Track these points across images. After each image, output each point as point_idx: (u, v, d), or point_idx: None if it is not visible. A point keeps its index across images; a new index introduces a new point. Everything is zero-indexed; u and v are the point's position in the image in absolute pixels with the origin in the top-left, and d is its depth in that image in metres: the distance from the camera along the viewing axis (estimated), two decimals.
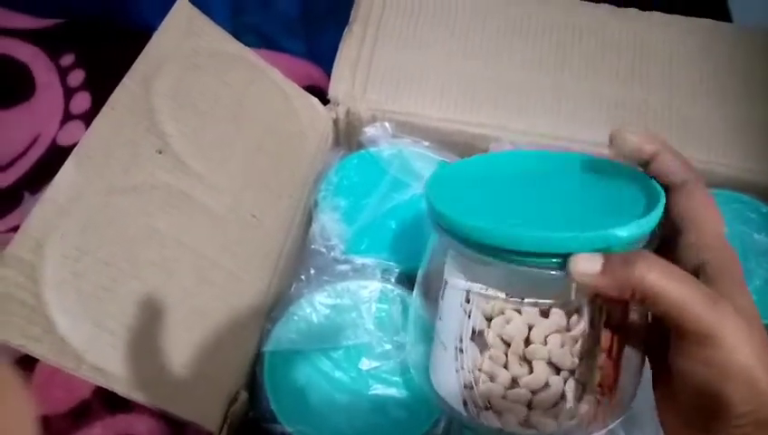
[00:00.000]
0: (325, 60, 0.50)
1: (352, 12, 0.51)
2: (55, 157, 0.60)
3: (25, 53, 0.66)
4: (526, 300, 0.27)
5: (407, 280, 0.41)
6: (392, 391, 0.37)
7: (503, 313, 0.28)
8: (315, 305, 0.39)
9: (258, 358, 0.38)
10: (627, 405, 0.30)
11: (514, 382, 0.28)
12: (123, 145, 0.35)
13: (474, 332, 0.29)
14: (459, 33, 0.50)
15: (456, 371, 0.30)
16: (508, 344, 0.28)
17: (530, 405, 0.29)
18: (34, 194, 0.58)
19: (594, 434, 0.29)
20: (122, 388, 0.31)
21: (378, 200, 0.44)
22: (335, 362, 0.38)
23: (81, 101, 0.64)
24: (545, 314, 0.27)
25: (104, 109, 0.35)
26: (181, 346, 0.34)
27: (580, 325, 0.28)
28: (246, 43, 0.45)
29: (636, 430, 0.37)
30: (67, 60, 0.66)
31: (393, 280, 0.41)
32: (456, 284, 0.29)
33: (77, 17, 0.68)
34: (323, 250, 0.42)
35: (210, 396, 0.34)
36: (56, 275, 0.30)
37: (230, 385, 0.35)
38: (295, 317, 0.39)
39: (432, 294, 0.33)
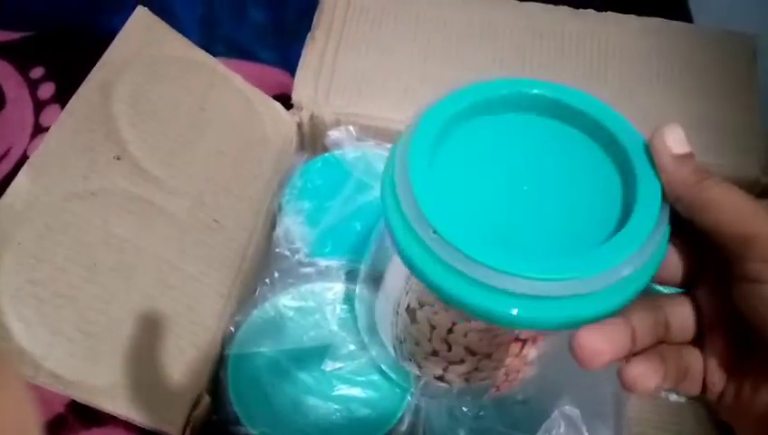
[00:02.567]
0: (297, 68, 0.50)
1: (315, 18, 0.51)
2: None
3: None
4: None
5: (372, 281, 0.41)
6: (356, 391, 0.37)
7: (432, 304, 0.30)
8: (279, 308, 0.40)
9: (221, 361, 0.38)
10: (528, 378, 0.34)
11: (435, 353, 0.32)
12: (80, 152, 0.35)
13: (408, 306, 0.32)
14: (421, 37, 0.51)
15: (391, 323, 0.34)
16: (434, 327, 0.31)
17: (445, 369, 0.33)
18: None
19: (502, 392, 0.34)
20: (81, 395, 0.31)
21: (341, 203, 0.44)
22: (299, 364, 0.38)
23: (52, 114, 0.63)
24: (468, 319, 0.29)
25: (61, 116, 0.35)
26: (142, 351, 0.34)
27: (498, 330, 0.30)
28: (218, 54, 0.45)
29: (598, 422, 0.37)
30: (37, 72, 0.66)
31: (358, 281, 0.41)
32: (401, 266, 0.30)
33: (46, 30, 0.68)
34: (287, 253, 0.42)
35: (172, 401, 0.34)
36: (12, 283, 0.30)
37: (192, 389, 0.35)
38: (259, 320, 0.39)
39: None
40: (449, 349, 0.32)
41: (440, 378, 0.34)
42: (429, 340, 0.32)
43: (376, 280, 0.39)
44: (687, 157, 0.23)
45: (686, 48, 0.51)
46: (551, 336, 0.38)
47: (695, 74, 0.50)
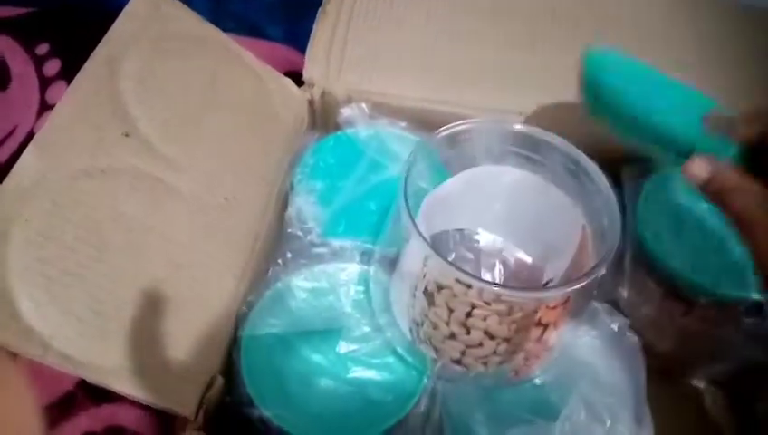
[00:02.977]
0: (306, 45, 0.49)
1: None
2: None
3: None
4: (472, 289, 0.28)
5: (386, 262, 0.40)
6: (371, 374, 0.36)
7: (451, 288, 0.29)
8: (292, 289, 0.39)
9: (235, 343, 0.37)
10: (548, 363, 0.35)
11: (453, 336, 0.32)
12: (88, 129, 0.34)
13: (426, 289, 0.31)
14: (435, 12, 0.50)
15: (408, 306, 0.34)
16: (452, 311, 0.30)
17: (463, 353, 0.33)
18: None
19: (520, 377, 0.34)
20: (91, 375, 0.30)
21: (354, 182, 0.43)
22: (313, 346, 0.37)
23: (58, 91, 0.63)
24: (488, 302, 0.29)
25: (67, 93, 0.34)
26: (153, 332, 0.33)
27: (519, 314, 0.30)
28: (227, 30, 0.44)
29: (619, 407, 0.36)
30: (42, 49, 0.65)
31: (372, 262, 0.40)
32: (419, 245, 0.30)
33: (51, 5, 0.66)
34: (300, 233, 0.41)
35: (185, 382, 0.33)
36: (20, 262, 0.30)
37: (205, 370, 0.34)
38: (272, 301, 0.38)
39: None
40: (468, 332, 0.31)
41: (457, 362, 0.33)
42: (447, 323, 0.31)
43: (391, 261, 0.38)
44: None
45: (714, 27, 0.50)
46: (571, 320, 0.38)
47: (723, 55, 0.48)
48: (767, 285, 0.27)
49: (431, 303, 0.31)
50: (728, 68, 0.48)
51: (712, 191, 0.29)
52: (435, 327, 0.32)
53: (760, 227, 0.27)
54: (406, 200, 0.31)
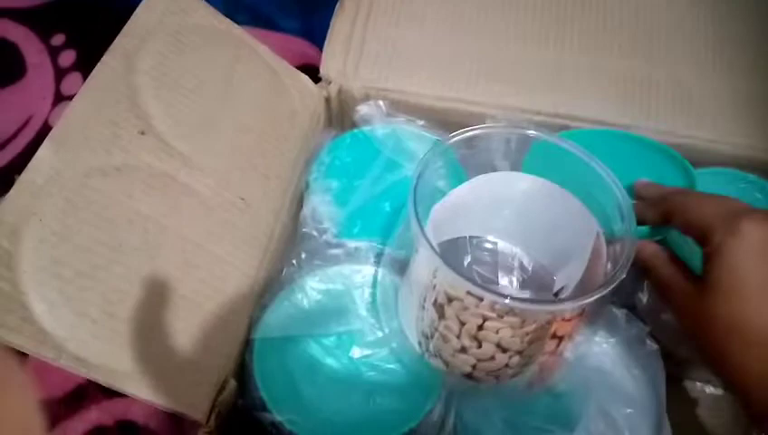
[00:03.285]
0: (321, 38, 0.48)
1: None
2: None
3: (15, 32, 0.64)
4: (484, 302, 0.28)
5: (395, 265, 0.40)
6: (385, 380, 0.36)
7: (462, 300, 0.28)
8: (306, 291, 0.38)
9: (247, 345, 0.37)
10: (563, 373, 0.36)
11: (463, 350, 0.31)
12: (103, 125, 0.33)
13: (436, 301, 0.31)
14: (454, 7, 0.49)
15: (417, 318, 0.33)
16: (463, 323, 0.30)
17: (474, 367, 0.32)
18: None
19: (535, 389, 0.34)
20: (105, 378, 0.30)
21: (371, 182, 0.43)
22: (327, 349, 0.37)
23: (73, 82, 0.63)
24: (500, 314, 0.28)
25: (83, 88, 0.34)
26: (167, 334, 0.33)
27: (532, 326, 0.29)
28: (241, 22, 0.44)
29: (637, 417, 0.36)
30: (58, 40, 0.65)
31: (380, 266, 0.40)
32: (429, 256, 0.29)
33: None
34: (315, 233, 0.41)
35: (197, 385, 0.33)
36: (34, 262, 0.29)
37: (218, 373, 0.34)
38: (286, 303, 0.38)
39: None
40: (479, 346, 0.30)
41: (469, 375, 0.32)
42: (458, 336, 0.31)
43: (401, 264, 0.38)
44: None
45: (741, 20, 0.48)
46: (586, 328, 0.37)
47: (745, 48, 0.47)
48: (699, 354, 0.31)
49: (441, 315, 0.30)
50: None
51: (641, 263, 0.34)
52: (445, 340, 0.31)
53: (671, 288, 0.32)
54: (415, 209, 0.30)
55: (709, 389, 0.45)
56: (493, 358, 0.31)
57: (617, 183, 0.32)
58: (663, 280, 0.33)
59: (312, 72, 0.47)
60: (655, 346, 0.38)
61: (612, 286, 0.28)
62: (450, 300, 0.30)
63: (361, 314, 0.38)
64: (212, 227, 0.36)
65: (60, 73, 0.63)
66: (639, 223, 0.33)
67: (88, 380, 0.46)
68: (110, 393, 0.46)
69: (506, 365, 0.31)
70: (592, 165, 0.33)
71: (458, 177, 0.38)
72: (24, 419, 0.19)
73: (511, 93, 0.45)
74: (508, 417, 0.34)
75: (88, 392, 0.48)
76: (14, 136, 0.60)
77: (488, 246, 0.40)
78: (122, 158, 0.34)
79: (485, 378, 0.32)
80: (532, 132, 0.35)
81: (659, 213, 0.34)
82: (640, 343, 0.38)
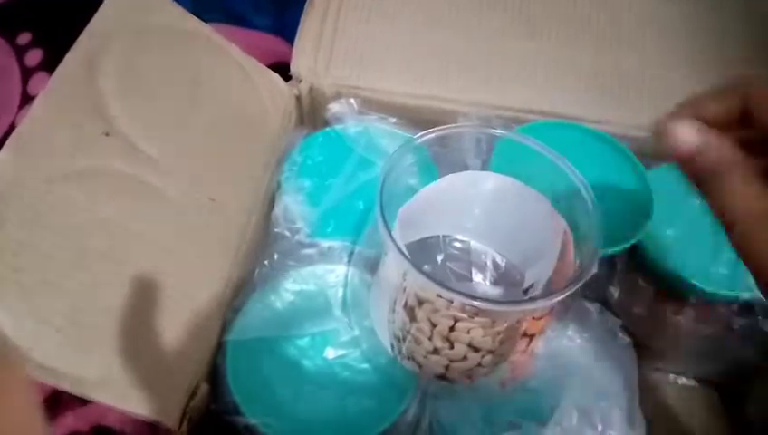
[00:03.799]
0: (293, 35, 0.48)
1: None
2: None
3: None
4: (455, 303, 0.28)
5: (367, 263, 0.39)
6: (360, 379, 0.36)
7: (432, 302, 0.29)
8: (280, 292, 0.38)
9: (220, 348, 0.36)
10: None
11: (436, 351, 0.31)
12: (66, 128, 0.33)
13: (406, 304, 0.31)
14: (426, 4, 0.49)
15: (389, 320, 0.33)
16: (435, 325, 0.30)
17: (447, 368, 0.32)
18: None
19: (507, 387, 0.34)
20: (73, 387, 0.29)
21: (344, 180, 0.42)
22: (301, 350, 0.36)
23: (40, 82, 0.61)
24: (471, 315, 0.28)
25: (44, 90, 0.33)
26: (136, 340, 0.32)
27: (503, 325, 0.29)
28: (212, 20, 0.43)
29: (610, 409, 0.36)
30: (24, 38, 0.63)
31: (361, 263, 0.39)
32: (398, 259, 0.29)
33: None
34: (287, 234, 0.40)
35: (168, 390, 0.32)
36: None
37: (190, 378, 0.34)
38: (259, 305, 0.38)
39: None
40: (451, 347, 0.31)
41: (442, 376, 0.32)
42: (430, 338, 0.31)
43: (372, 263, 0.38)
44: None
45: (711, 15, 0.49)
46: (559, 324, 0.37)
47: (717, 45, 0.48)
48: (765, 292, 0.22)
49: (412, 318, 0.30)
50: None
51: (698, 170, 0.23)
52: (417, 343, 0.31)
53: (759, 234, 0.21)
54: (382, 212, 0.30)
55: (681, 380, 0.46)
56: (465, 358, 0.31)
57: (584, 182, 0.32)
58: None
59: (285, 69, 0.47)
60: (627, 339, 0.39)
61: (577, 286, 0.28)
62: (421, 302, 0.30)
63: (335, 314, 0.37)
64: (182, 230, 0.36)
65: (26, 73, 0.62)
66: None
67: None
68: (85, 399, 0.46)
69: (479, 365, 0.31)
70: (559, 164, 0.33)
71: (431, 174, 0.38)
72: (25, 419, 0.19)
73: (483, 90, 0.45)
74: (484, 414, 0.35)
75: (63, 398, 0.47)
76: None
77: (460, 245, 0.40)
78: (86, 162, 0.33)
79: (459, 378, 0.32)
80: (499, 131, 0.35)
81: (730, 105, 0.24)
82: (613, 336, 0.39)
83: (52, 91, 0.33)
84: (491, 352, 0.30)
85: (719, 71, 0.46)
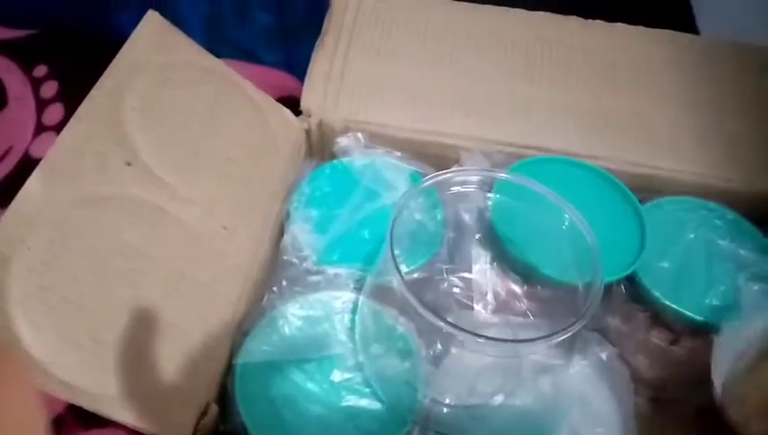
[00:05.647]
0: (301, 70, 0.50)
1: (324, 23, 0.51)
2: (28, 169, 0.59)
3: None
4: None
5: (376, 292, 0.41)
6: (364, 403, 0.37)
7: None
8: (287, 317, 0.39)
9: (229, 370, 0.37)
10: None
11: None
12: (91, 157, 0.34)
13: None
14: (430, 44, 0.51)
15: None
16: None
17: None
18: (5, 208, 0.57)
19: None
20: (89, 403, 0.30)
21: (350, 210, 0.44)
22: (308, 374, 0.37)
23: (55, 113, 0.63)
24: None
25: (72, 120, 0.35)
26: (150, 360, 0.33)
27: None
28: (223, 55, 0.45)
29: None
30: (40, 71, 0.65)
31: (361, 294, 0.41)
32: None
33: (50, 28, 0.67)
34: (295, 261, 0.42)
35: (180, 409, 0.34)
36: (21, 289, 0.30)
37: (200, 398, 0.35)
38: (267, 329, 0.39)
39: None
40: None
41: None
42: None
43: (382, 292, 0.39)
44: None
45: (695, 60, 0.51)
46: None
47: (704, 87, 0.50)
48: None
49: None
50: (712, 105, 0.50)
51: None
52: None
53: None
54: (393, 254, 0.31)
55: (678, 409, 0.46)
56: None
57: (586, 227, 0.34)
58: None
59: (293, 103, 0.49)
60: (624, 368, 0.40)
61: (582, 323, 0.30)
62: None
63: (341, 340, 0.39)
64: (196, 256, 0.37)
65: (41, 104, 0.64)
66: None
67: (66, 410, 0.46)
68: (88, 425, 0.46)
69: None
70: (563, 208, 0.35)
71: (438, 211, 0.40)
72: (26, 420, 0.19)
73: (484, 126, 0.47)
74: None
75: (66, 424, 0.47)
76: None
77: (461, 274, 0.41)
78: (109, 188, 0.35)
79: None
80: (500, 175, 0.37)
81: None
82: (611, 364, 0.40)
83: (79, 121, 0.35)
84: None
85: (708, 112, 0.49)
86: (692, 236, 0.44)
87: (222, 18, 0.71)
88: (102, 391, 0.31)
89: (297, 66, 0.65)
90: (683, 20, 0.70)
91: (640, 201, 0.44)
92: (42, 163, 0.33)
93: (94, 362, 0.31)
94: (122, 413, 0.31)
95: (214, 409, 0.35)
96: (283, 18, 0.71)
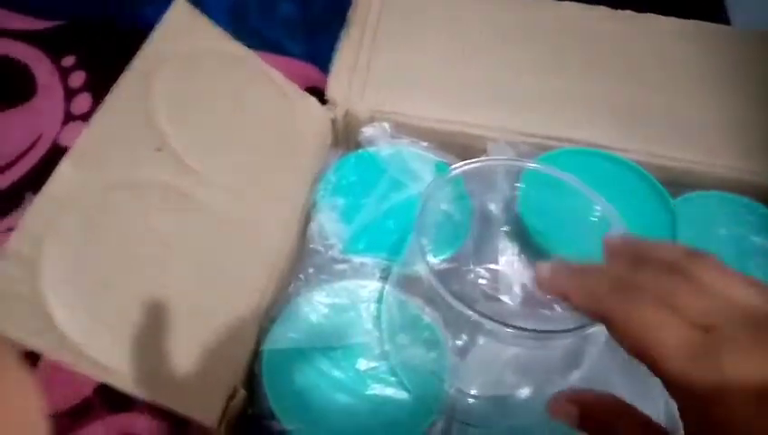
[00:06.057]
0: (324, 61, 0.50)
1: (349, 14, 0.51)
2: (57, 157, 0.60)
3: (26, 54, 0.66)
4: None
5: (402, 284, 0.41)
6: (390, 392, 0.37)
7: None
8: (314, 304, 0.39)
9: (257, 356, 0.38)
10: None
11: None
12: (121, 143, 0.35)
13: None
14: (457, 35, 0.51)
15: None
16: None
17: None
18: (36, 194, 0.58)
19: None
20: (121, 383, 0.31)
21: (376, 200, 0.44)
22: (334, 362, 0.38)
23: (83, 102, 0.64)
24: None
25: (101, 107, 0.35)
26: (180, 343, 0.34)
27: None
28: (248, 46, 0.45)
29: None
30: (68, 61, 0.66)
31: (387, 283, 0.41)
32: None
33: (78, 18, 0.68)
34: (321, 249, 0.42)
35: (209, 392, 0.34)
36: (55, 271, 0.30)
37: (228, 382, 0.35)
38: (294, 316, 0.39)
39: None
40: None
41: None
42: None
43: (408, 282, 0.39)
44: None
45: (726, 51, 0.51)
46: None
47: (736, 78, 0.49)
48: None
49: None
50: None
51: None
52: None
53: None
54: (429, 267, 0.31)
55: None
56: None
57: (618, 219, 0.34)
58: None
59: (316, 94, 0.49)
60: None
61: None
62: None
63: (367, 328, 0.39)
64: (223, 243, 0.38)
65: (70, 94, 0.65)
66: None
67: (94, 393, 0.47)
68: (115, 408, 0.47)
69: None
70: (593, 200, 0.34)
71: (464, 202, 0.40)
72: (28, 420, 0.19)
73: (510, 116, 0.47)
74: (511, 428, 0.35)
75: (93, 407, 0.48)
76: (25, 154, 0.61)
77: (488, 265, 0.41)
78: (140, 174, 0.35)
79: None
80: (530, 164, 0.37)
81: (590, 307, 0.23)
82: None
83: (109, 108, 0.35)
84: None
85: (740, 104, 0.48)
86: (723, 231, 0.43)
87: (246, 9, 0.71)
88: (133, 373, 0.31)
89: (320, 57, 0.65)
90: (714, 10, 0.69)
91: (671, 195, 0.43)
92: (73, 149, 0.33)
93: (125, 344, 0.31)
94: (152, 394, 0.32)
95: (241, 393, 0.35)
96: (307, 9, 0.71)
